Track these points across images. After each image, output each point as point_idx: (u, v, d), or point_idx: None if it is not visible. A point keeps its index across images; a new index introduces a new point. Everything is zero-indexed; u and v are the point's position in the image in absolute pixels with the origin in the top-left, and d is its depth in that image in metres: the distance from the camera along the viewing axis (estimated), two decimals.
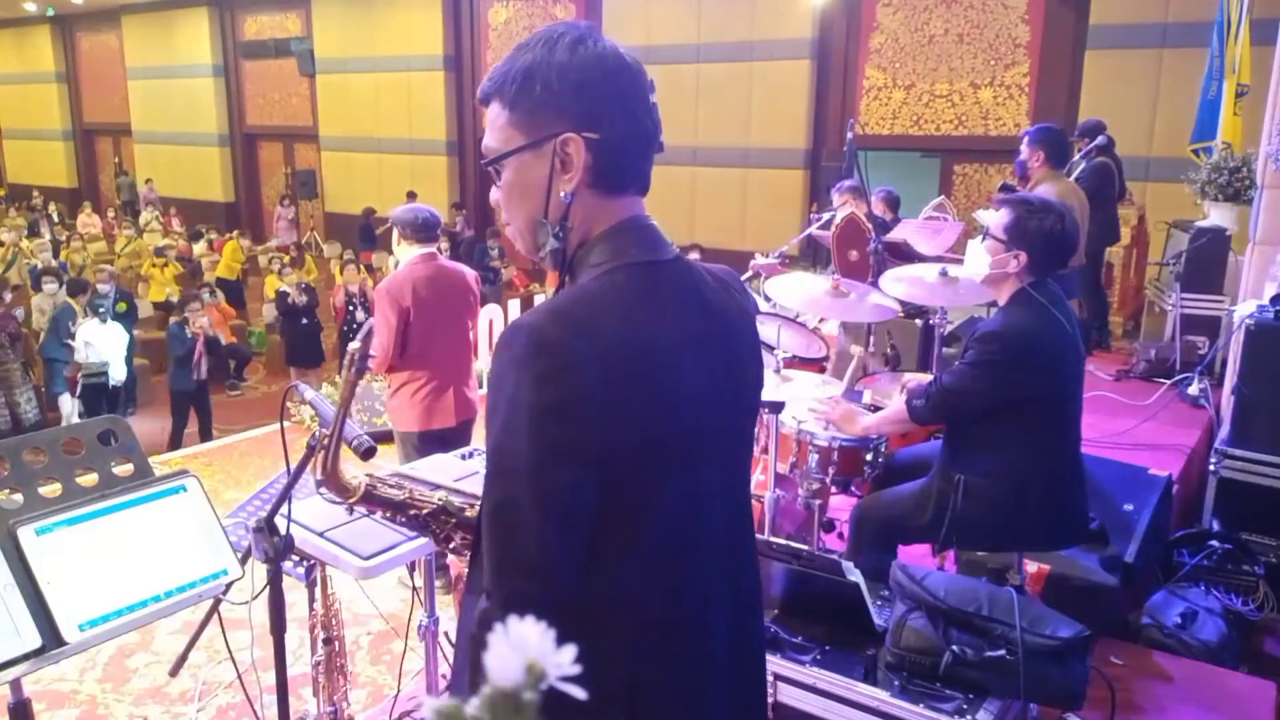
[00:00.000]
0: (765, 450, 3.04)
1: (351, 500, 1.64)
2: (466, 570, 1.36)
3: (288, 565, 2.32)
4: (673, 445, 1.15)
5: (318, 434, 1.72)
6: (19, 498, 1.85)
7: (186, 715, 3.26)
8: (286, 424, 1.93)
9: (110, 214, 18.34)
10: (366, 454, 1.75)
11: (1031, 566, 2.94)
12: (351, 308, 8.60)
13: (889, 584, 2.31)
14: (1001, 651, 2.04)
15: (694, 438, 1.18)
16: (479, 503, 1.36)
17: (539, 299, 8.02)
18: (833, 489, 3.10)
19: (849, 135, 4.52)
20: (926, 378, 3.04)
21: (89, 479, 1.97)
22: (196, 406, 7.69)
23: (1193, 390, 5.06)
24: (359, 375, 1.63)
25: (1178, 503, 3.91)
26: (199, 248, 13.79)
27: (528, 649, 0.42)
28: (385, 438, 4.95)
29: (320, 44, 15.99)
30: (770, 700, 2.20)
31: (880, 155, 10.13)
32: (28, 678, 1.76)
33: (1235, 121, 6.17)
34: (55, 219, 17.31)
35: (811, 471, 3.00)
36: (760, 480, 3.16)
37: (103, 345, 7.74)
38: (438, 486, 1.75)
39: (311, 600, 2.49)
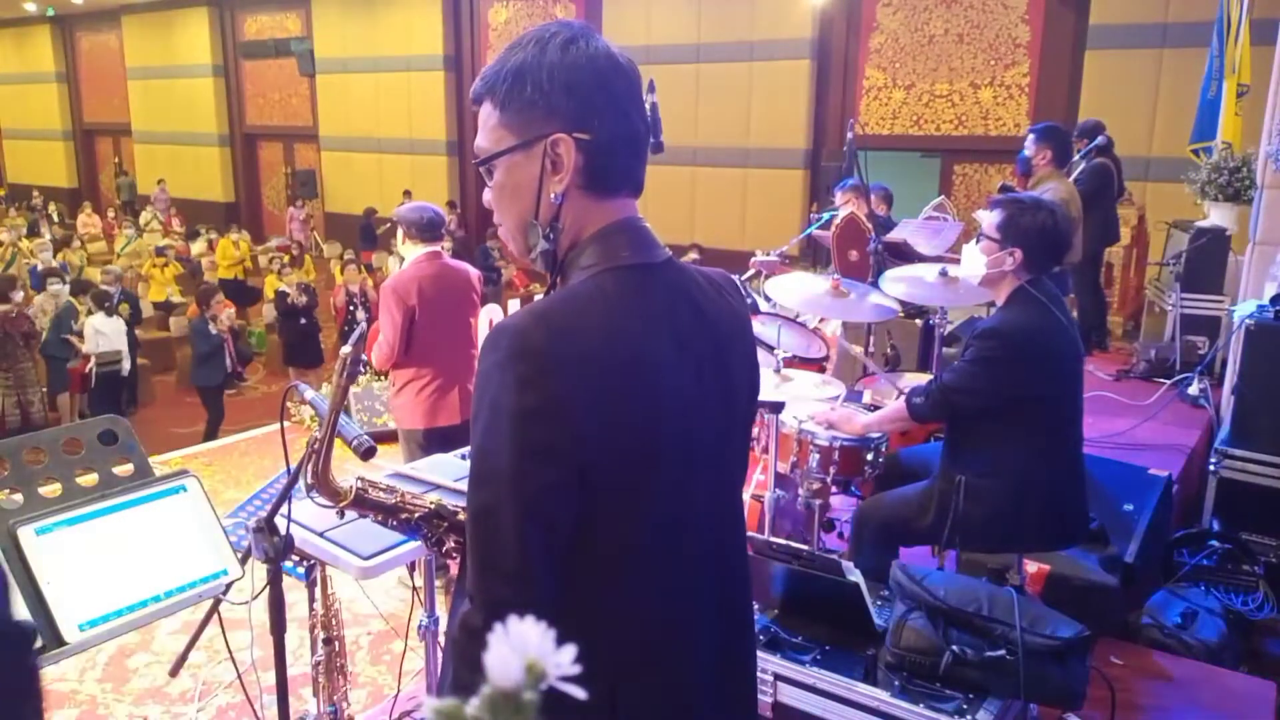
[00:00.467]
0: (765, 450, 3.04)
1: (343, 504, 1.62)
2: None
3: (288, 565, 2.32)
4: (659, 451, 1.14)
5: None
6: (19, 498, 1.85)
7: (186, 715, 3.26)
8: (286, 424, 1.93)
9: (110, 214, 18.33)
10: (366, 454, 1.75)
11: (1031, 566, 2.94)
12: (352, 308, 8.60)
13: (889, 584, 2.31)
14: (1001, 651, 2.04)
15: (681, 443, 1.16)
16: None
17: (539, 300, 8.00)
18: (833, 489, 3.10)
19: (849, 135, 4.52)
20: (926, 378, 3.04)
21: (89, 479, 1.97)
22: (214, 403, 7.71)
23: (1193, 390, 5.06)
24: (350, 380, 1.62)
25: (1178, 503, 3.91)
26: (197, 247, 13.78)
27: (528, 649, 0.42)
28: (386, 438, 4.95)
29: (320, 44, 15.99)
30: (770, 700, 2.20)
31: (880, 155, 10.13)
32: None
33: (1235, 121, 6.16)
34: (55, 219, 17.31)
35: (812, 471, 3.00)
36: (760, 480, 3.16)
37: (112, 336, 7.80)
38: (437, 487, 1.74)
39: (311, 600, 2.49)
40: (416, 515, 1.64)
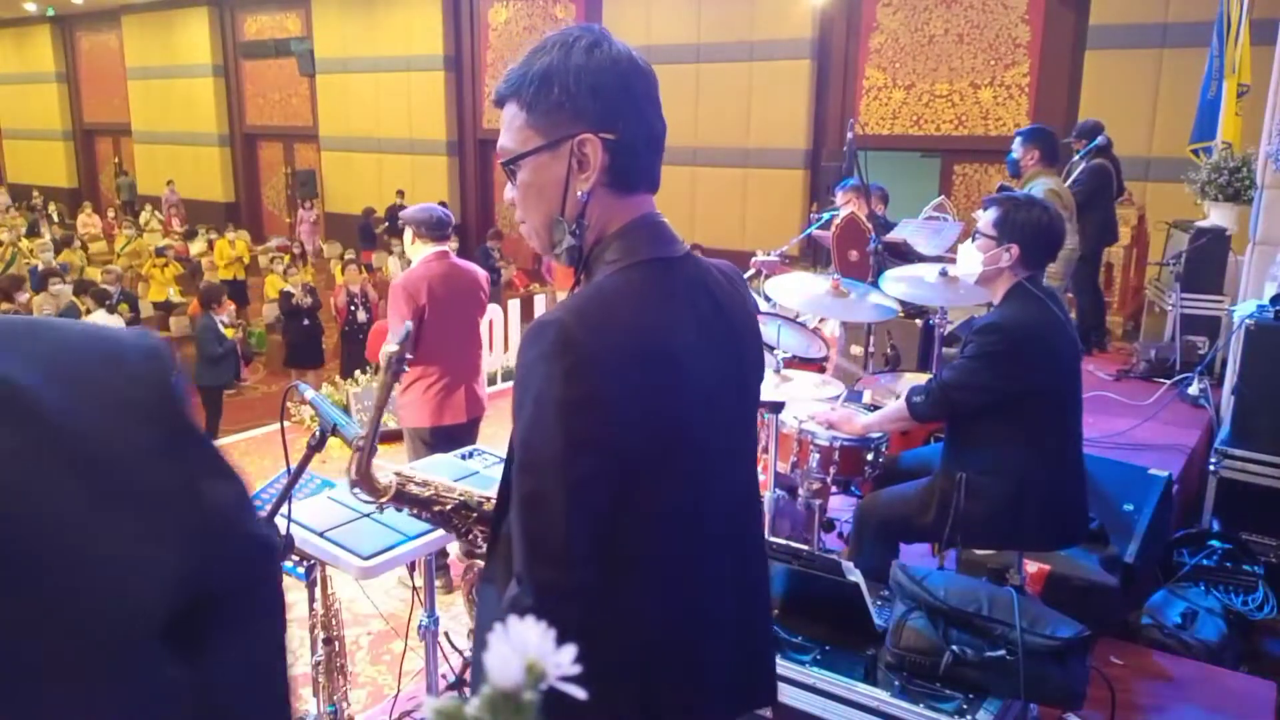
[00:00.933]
0: (765, 450, 3.04)
1: (384, 499, 1.69)
2: (482, 563, 1.43)
3: (288, 565, 2.32)
4: (686, 437, 1.20)
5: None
6: None
7: None
8: (286, 424, 1.93)
9: (110, 214, 18.34)
10: None
11: (1031, 566, 2.94)
12: (353, 308, 8.59)
13: (889, 584, 2.31)
14: (1001, 651, 2.04)
15: (706, 429, 1.23)
16: (495, 498, 1.42)
17: (538, 299, 8.02)
18: (833, 489, 3.10)
19: (849, 135, 4.53)
20: (926, 378, 3.04)
21: None
22: (214, 404, 7.70)
23: (1193, 390, 5.06)
24: (395, 377, 1.67)
25: (1178, 503, 3.90)
26: (196, 247, 13.78)
27: (528, 649, 0.42)
28: (386, 437, 4.95)
29: (320, 44, 15.99)
30: None
31: (880, 155, 10.13)
32: None
33: (1235, 121, 6.16)
34: (55, 219, 17.31)
35: (812, 471, 3.00)
36: (760, 480, 3.16)
37: None
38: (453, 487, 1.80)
39: (311, 600, 2.49)
40: (449, 507, 1.72)
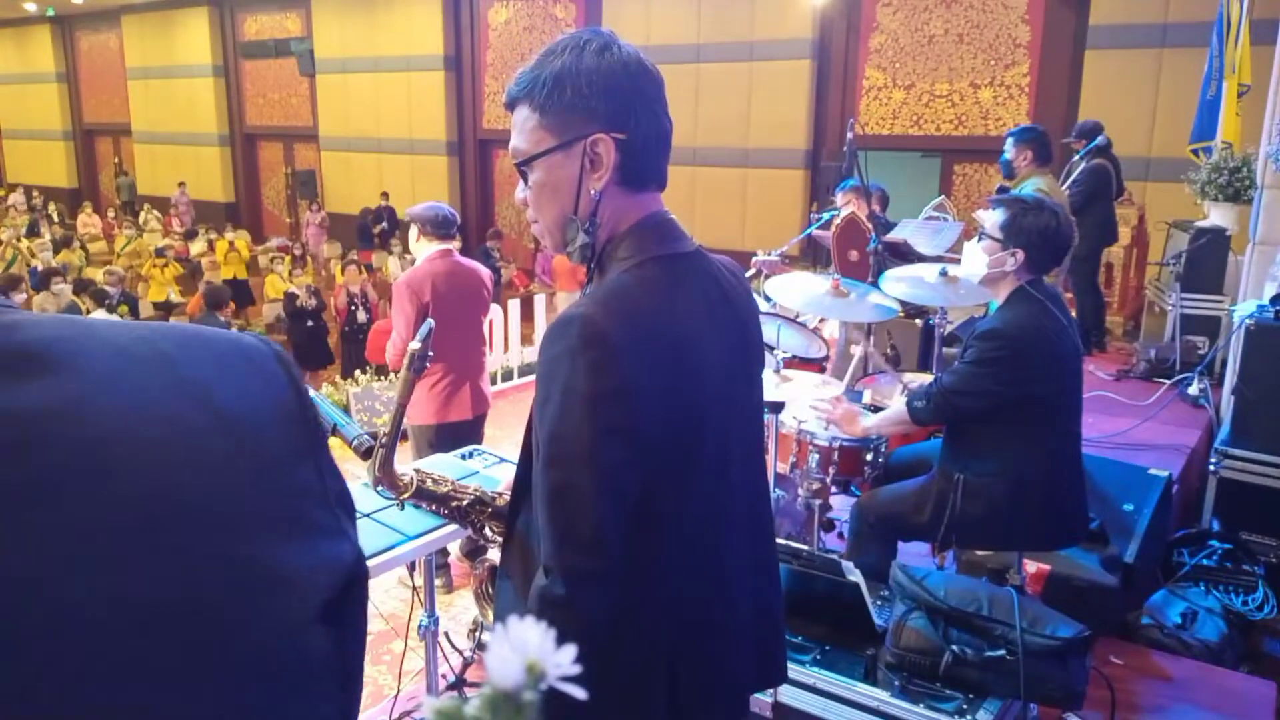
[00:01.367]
0: (765, 450, 3.04)
1: (404, 496, 1.74)
2: (499, 557, 1.46)
3: None
4: (706, 426, 1.25)
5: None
6: None
7: None
8: None
9: (110, 214, 18.33)
10: (367, 454, 1.75)
11: (1031, 566, 2.94)
12: (353, 308, 8.59)
13: (889, 584, 2.31)
14: (1001, 651, 2.04)
15: (722, 416, 1.28)
16: (507, 494, 1.47)
17: (538, 299, 8.02)
18: (833, 489, 3.10)
19: (849, 135, 4.52)
20: (928, 378, 3.04)
21: None
22: None
23: (1193, 390, 5.06)
24: (417, 375, 1.70)
25: (1178, 503, 3.91)
26: (196, 247, 13.78)
27: (528, 649, 0.42)
28: None
29: (320, 44, 15.99)
30: (770, 700, 2.20)
31: (880, 155, 10.13)
32: None
33: (1235, 121, 6.16)
34: (55, 219, 17.30)
35: (811, 471, 3.00)
36: None
37: None
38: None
39: None
40: (465, 503, 1.77)
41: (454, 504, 1.76)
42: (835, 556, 2.34)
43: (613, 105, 1.20)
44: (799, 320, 4.15)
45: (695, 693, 1.30)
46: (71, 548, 0.50)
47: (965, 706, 2.03)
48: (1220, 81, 6.23)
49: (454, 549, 4.14)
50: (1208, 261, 5.61)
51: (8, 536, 0.48)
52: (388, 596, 3.91)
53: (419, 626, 2.60)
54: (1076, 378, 2.66)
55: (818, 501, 3.09)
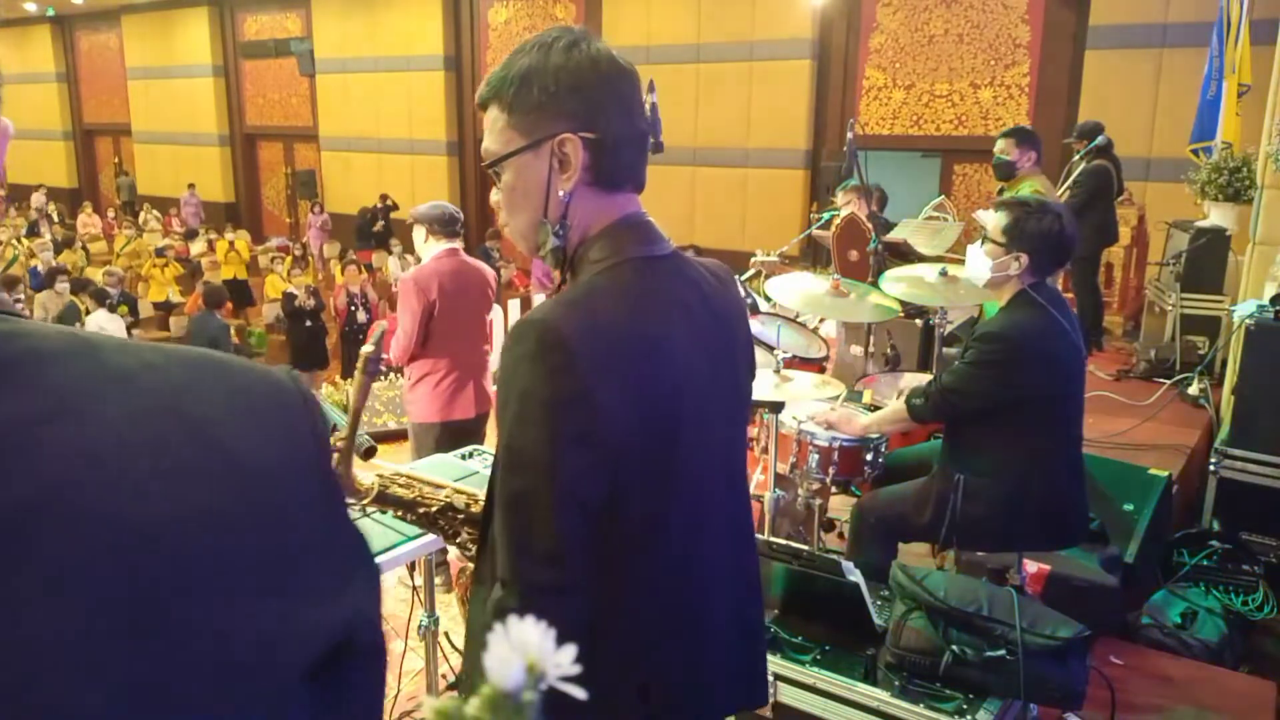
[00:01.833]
0: (765, 450, 3.04)
1: (365, 501, 1.68)
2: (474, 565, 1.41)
3: None
4: (679, 434, 1.20)
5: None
6: None
7: None
8: None
9: (110, 214, 18.33)
10: (367, 454, 1.75)
11: (1031, 566, 2.94)
12: (353, 308, 8.59)
13: (889, 584, 2.31)
14: (1001, 651, 2.04)
15: (698, 423, 1.22)
16: (484, 499, 1.41)
17: (537, 299, 8.03)
18: (833, 489, 3.10)
19: (849, 135, 4.52)
20: (927, 378, 3.04)
21: None
22: None
23: (1193, 390, 5.06)
24: (372, 378, 1.65)
25: (1178, 503, 3.90)
26: (196, 247, 13.78)
27: (528, 649, 0.42)
28: (386, 438, 4.95)
29: (320, 44, 15.98)
30: (770, 700, 2.20)
31: (880, 155, 10.12)
32: None
33: (1235, 121, 6.16)
34: (55, 219, 17.30)
35: (811, 471, 3.00)
36: (760, 480, 3.16)
37: (116, 334, 7.82)
38: (441, 487, 1.77)
39: None
40: (434, 509, 1.68)
41: (422, 510, 1.69)
42: (835, 556, 2.34)
43: (580, 104, 1.15)
44: (799, 320, 4.15)
45: (669, 714, 1.26)
46: (32, 588, 0.45)
47: (965, 706, 2.03)
48: (1220, 81, 6.22)
49: (454, 550, 4.14)
50: (1208, 261, 5.60)
51: None
52: (388, 596, 3.89)
53: (419, 626, 2.60)
54: (1078, 381, 2.65)
55: (818, 501, 3.09)
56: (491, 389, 4.13)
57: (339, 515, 0.60)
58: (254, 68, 17.58)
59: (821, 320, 4.38)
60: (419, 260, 4.05)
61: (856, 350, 4.05)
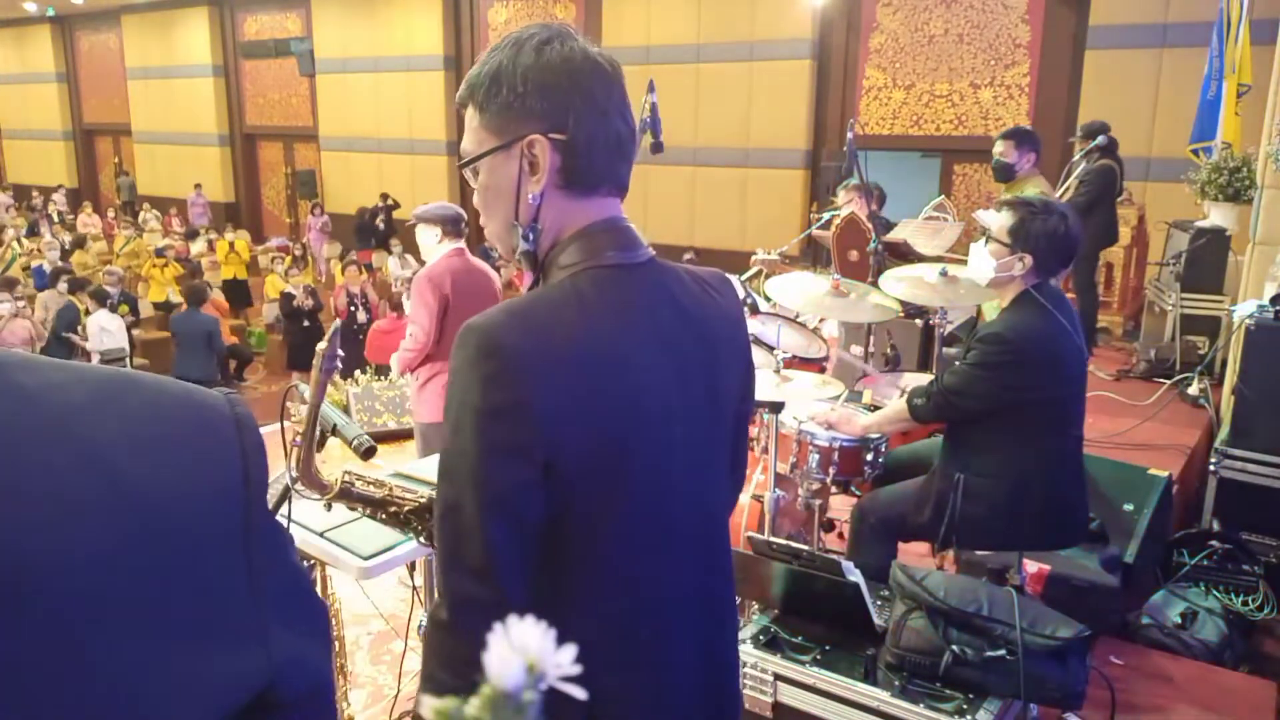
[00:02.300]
0: (765, 450, 3.04)
1: (329, 497, 1.64)
2: None
3: None
4: (634, 449, 1.13)
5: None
6: None
7: None
8: (286, 424, 1.92)
9: (110, 214, 18.33)
10: (367, 454, 1.75)
11: (1031, 566, 2.94)
12: (353, 308, 8.59)
13: (889, 584, 2.31)
14: (1001, 651, 2.04)
15: (659, 442, 1.16)
16: None
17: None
18: (833, 489, 3.10)
19: (849, 135, 4.52)
20: (927, 378, 3.04)
21: None
22: None
23: (1193, 390, 5.06)
24: (328, 375, 1.63)
25: (1178, 503, 3.90)
26: (196, 247, 13.79)
27: (528, 649, 0.42)
28: (386, 438, 4.95)
29: (320, 44, 15.99)
30: (770, 700, 2.20)
31: (880, 155, 10.12)
32: None
33: (1235, 121, 6.16)
34: (56, 219, 17.31)
35: (811, 471, 3.00)
36: (760, 480, 3.16)
37: (116, 334, 7.83)
38: (424, 483, 1.76)
39: None
40: (405, 509, 1.65)
41: (392, 509, 1.65)
42: (835, 556, 2.34)
43: (549, 104, 1.11)
44: (799, 320, 4.15)
45: None
46: None
47: (965, 706, 2.03)
48: (1220, 81, 6.22)
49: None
50: (1208, 261, 5.61)
51: None
52: (388, 596, 3.91)
53: (419, 626, 2.60)
54: (1079, 382, 2.65)
55: (818, 501, 3.09)
56: None
57: (268, 551, 0.55)
58: (254, 68, 17.59)
59: (821, 320, 4.37)
60: (421, 261, 4.07)
61: (856, 350, 4.05)
